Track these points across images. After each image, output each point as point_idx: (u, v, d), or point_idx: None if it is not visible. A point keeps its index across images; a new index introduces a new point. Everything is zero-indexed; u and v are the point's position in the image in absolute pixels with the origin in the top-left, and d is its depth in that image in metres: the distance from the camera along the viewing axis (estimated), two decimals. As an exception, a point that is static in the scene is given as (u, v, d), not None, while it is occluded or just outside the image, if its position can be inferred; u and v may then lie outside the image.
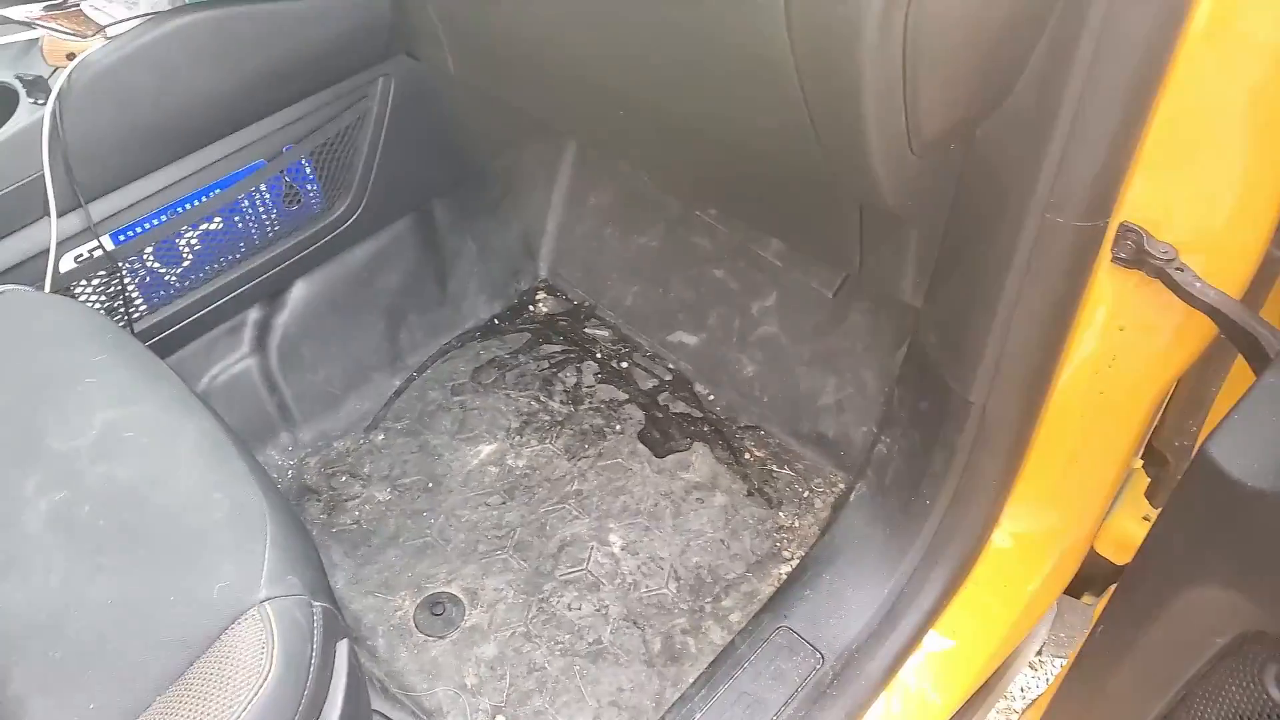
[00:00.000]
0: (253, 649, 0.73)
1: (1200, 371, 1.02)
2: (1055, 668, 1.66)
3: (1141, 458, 1.14)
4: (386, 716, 1.09)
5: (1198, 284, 0.81)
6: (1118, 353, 0.93)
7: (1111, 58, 0.75)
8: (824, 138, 0.80)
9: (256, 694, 0.70)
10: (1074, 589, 1.25)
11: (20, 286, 0.99)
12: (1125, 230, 0.85)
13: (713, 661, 1.15)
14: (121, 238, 1.18)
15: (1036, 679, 1.68)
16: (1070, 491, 1.06)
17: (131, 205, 1.17)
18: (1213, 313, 0.80)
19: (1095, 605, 1.27)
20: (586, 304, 1.73)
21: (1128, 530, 1.13)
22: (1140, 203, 0.83)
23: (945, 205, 0.93)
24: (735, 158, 1.04)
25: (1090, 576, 1.22)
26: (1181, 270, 0.83)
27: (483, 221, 1.67)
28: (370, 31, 1.30)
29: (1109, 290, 0.89)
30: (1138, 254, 0.85)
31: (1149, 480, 1.15)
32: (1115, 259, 0.87)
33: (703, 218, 1.60)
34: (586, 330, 1.69)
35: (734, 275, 1.58)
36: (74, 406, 0.88)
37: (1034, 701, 1.22)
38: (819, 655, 1.10)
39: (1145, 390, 0.96)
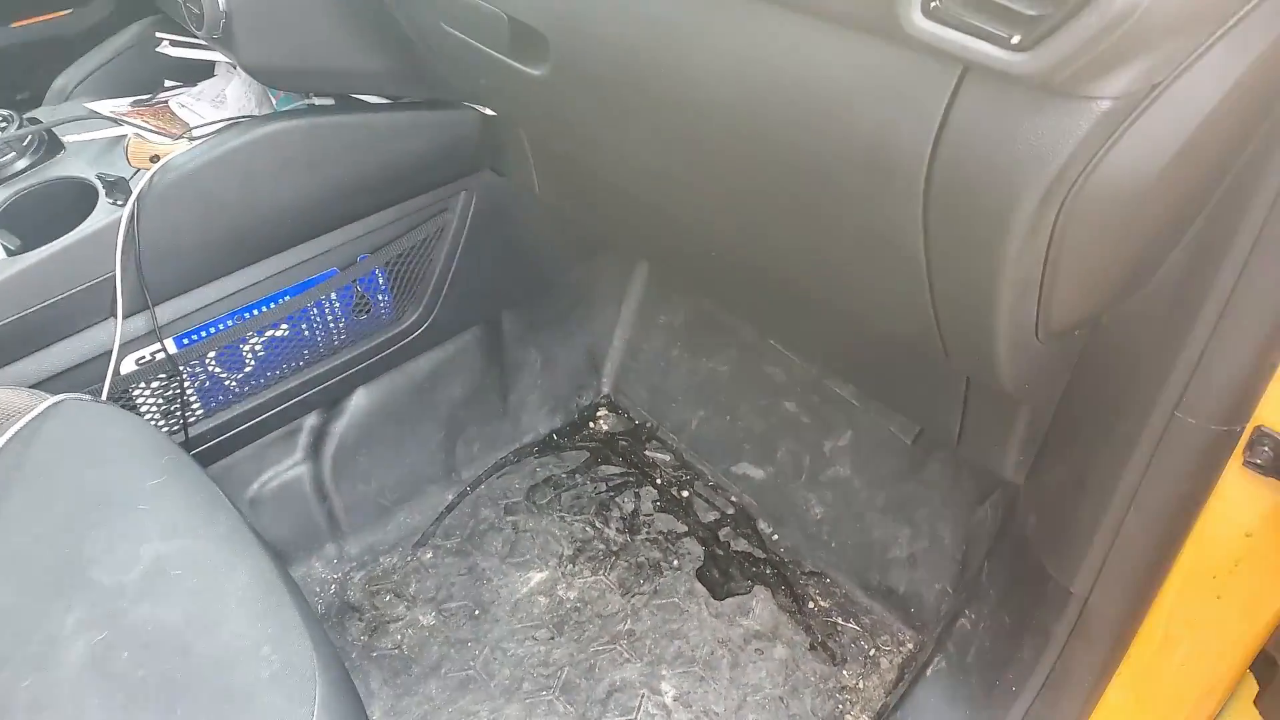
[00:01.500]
0: (289, 838, 0.67)
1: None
2: None
3: (1252, 664, 1.04)
4: None
5: (1342, 501, 0.74)
6: (1242, 559, 0.85)
7: (1270, 259, 0.69)
8: (945, 325, 0.75)
9: None
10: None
11: (78, 396, 0.97)
12: (1261, 434, 0.78)
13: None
14: (185, 341, 1.16)
15: None
16: (1175, 697, 0.96)
17: (199, 309, 1.16)
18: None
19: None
20: (649, 424, 1.68)
21: (1236, 740, 1.02)
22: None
23: (1061, 384, 0.87)
24: (841, 326, 1.00)
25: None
26: (1324, 484, 0.75)
27: (549, 334, 1.64)
28: (458, 147, 1.30)
29: (1237, 495, 0.82)
30: (1274, 461, 0.78)
31: (1258, 687, 1.05)
32: (1248, 463, 0.80)
33: (777, 347, 1.55)
34: (647, 453, 1.64)
35: (807, 410, 1.52)
36: (122, 535, 0.84)
37: None
38: None
39: (1268, 599, 0.87)
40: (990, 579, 1.06)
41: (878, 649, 1.36)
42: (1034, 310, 0.70)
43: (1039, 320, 0.72)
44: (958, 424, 0.97)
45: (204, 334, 1.19)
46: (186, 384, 1.20)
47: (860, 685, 1.31)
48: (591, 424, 1.69)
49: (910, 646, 1.34)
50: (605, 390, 1.73)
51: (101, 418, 0.97)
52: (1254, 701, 1.04)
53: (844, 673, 1.33)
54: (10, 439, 0.92)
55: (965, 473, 1.34)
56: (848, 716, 1.28)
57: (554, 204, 1.27)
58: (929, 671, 1.14)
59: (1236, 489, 0.81)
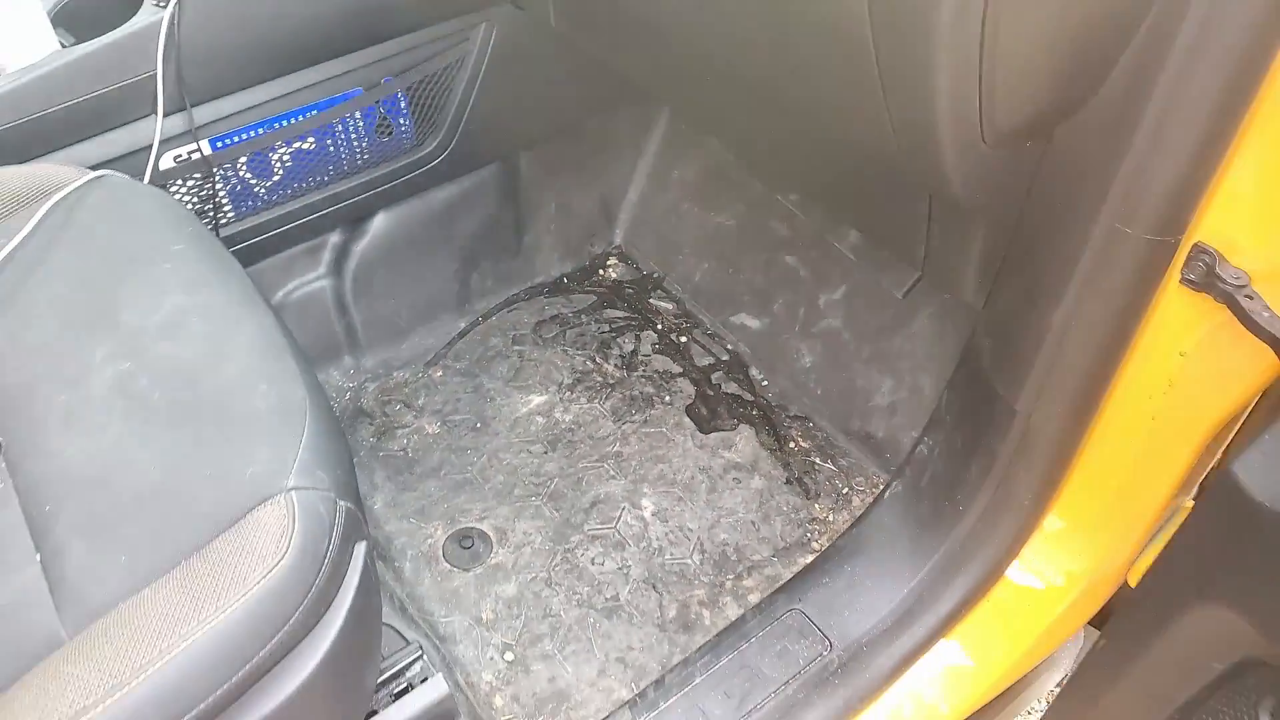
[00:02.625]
0: (273, 532, 0.77)
1: (1268, 410, 0.98)
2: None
3: (1194, 497, 1.09)
4: (399, 631, 1.13)
5: (1265, 313, 0.78)
6: (1176, 379, 0.90)
7: (1205, 67, 0.72)
8: (895, 117, 0.79)
9: (270, 573, 0.74)
10: (1101, 623, 1.22)
11: (117, 174, 1.06)
12: (1198, 250, 0.82)
13: (721, 631, 1.15)
14: (220, 144, 1.24)
15: (1058, 716, 1.63)
16: (1110, 520, 1.03)
17: (233, 114, 1.23)
18: (1276, 345, 0.77)
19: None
20: (655, 275, 1.74)
21: (1166, 569, 1.09)
22: (1217, 224, 0.80)
23: (1016, 205, 0.91)
24: (814, 135, 1.04)
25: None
26: (1251, 298, 0.79)
27: (566, 180, 1.69)
28: (478, -29, 1.34)
29: (1173, 312, 0.86)
30: (1208, 277, 0.82)
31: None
32: (1184, 280, 0.84)
33: (783, 203, 1.60)
34: (652, 301, 1.71)
35: (806, 264, 1.58)
36: (149, 287, 0.94)
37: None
38: (827, 642, 1.10)
39: (1200, 421, 0.92)
40: (947, 406, 1.12)
41: (851, 488, 1.44)
42: (975, 106, 0.74)
43: (983, 118, 0.76)
44: (923, 247, 1.02)
45: (237, 139, 1.27)
46: (219, 185, 1.29)
47: (830, 518, 1.40)
48: (601, 271, 1.76)
49: (882, 488, 1.41)
50: (617, 240, 1.79)
51: (137, 192, 1.06)
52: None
53: (816, 506, 1.41)
54: (56, 203, 1.02)
55: (949, 327, 1.39)
56: (814, 544, 1.37)
57: (568, 35, 1.31)
58: (886, 494, 1.21)
59: (1173, 306, 0.86)
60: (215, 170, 1.26)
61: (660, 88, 1.43)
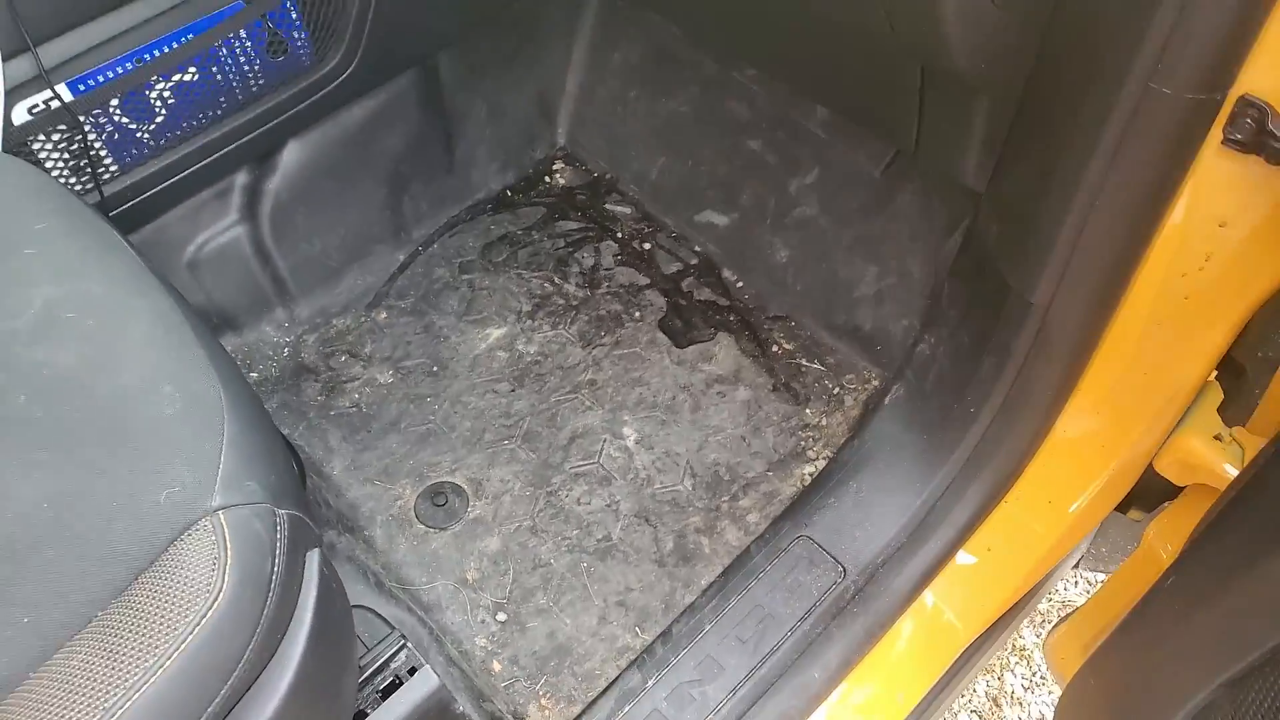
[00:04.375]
0: (204, 563, 0.65)
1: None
2: (1093, 579, 1.58)
3: (1216, 369, 1.01)
4: (377, 613, 1.03)
5: (1330, 173, 0.67)
6: (1213, 253, 0.79)
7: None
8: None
9: (207, 615, 0.63)
10: (1121, 504, 1.15)
11: (-43, 142, 0.88)
12: (1246, 105, 0.70)
13: (726, 569, 1.07)
14: (82, 87, 1.06)
15: (1068, 586, 1.61)
16: (1134, 406, 0.94)
17: (91, 50, 1.05)
18: (1346, 209, 0.66)
19: (1144, 522, 1.17)
20: (608, 176, 1.59)
21: (1194, 449, 1.01)
22: (1268, 73, 0.68)
23: (1023, 72, 0.77)
24: (783, 4, 0.88)
25: (1142, 493, 1.11)
26: (1311, 155, 0.68)
27: (493, 78, 1.51)
28: None
29: (1214, 178, 0.75)
30: (1258, 135, 0.70)
31: (1223, 395, 1.03)
32: (1227, 140, 0.72)
33: (740, 80, 1.43)
34: (607, 206, 1.56)
35: (772, 148, 1.43)
36: (10, 281, 0.78)
37: (1067, 616, 1.14)
38: (840, 568, 1.02)
39: (1240, 297, 0.82)
40: (951, 299, 1.02)
41: (842, 387, 1.34)
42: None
43: (995, -32, 0.62)
44: (915, 126, 0.88)
45: (101, 78, 1.08)
46: (92, 136, 1.11)
47: (823, 423, 1.30)
48: (547, 178, 1.60)
49: (876, 384, 1.32)
50: (560, 141, 1.62)
51: (-19, 163, 0.89)
52: (1217, 410, 1.02)
53: (807, 411, 1.32)
54: (-122, 187, 0.85)
55: (935, 203, 1.27)
56: (810, 452, 1.28)
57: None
58: (888, 400, 1.12)
59: (1214, 171, 0.74)
60: (83, 119, 1.08)
61: None
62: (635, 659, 1.01)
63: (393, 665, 0.94)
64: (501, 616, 1.14)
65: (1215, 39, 0.65)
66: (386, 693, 0.92)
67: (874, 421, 1.11)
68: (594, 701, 0.98)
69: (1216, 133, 0.72)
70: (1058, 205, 0.80)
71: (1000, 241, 0.90)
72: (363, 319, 1.42)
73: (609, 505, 1.23)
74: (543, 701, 1.08)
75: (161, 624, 0.63)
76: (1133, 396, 0.94)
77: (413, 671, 0.92)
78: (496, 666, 1.11)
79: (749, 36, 1.16)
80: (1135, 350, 0.89)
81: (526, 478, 1.26)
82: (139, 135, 1.15)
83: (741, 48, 1.32)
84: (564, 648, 1.12)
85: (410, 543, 1.20)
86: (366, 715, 0.91)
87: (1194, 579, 0.61)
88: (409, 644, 0.95)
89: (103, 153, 1.13)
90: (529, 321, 1.41)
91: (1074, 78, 0.74)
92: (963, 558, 1.03)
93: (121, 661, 0.61)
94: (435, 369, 1.36)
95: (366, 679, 0.93)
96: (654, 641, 1.01)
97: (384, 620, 1.03)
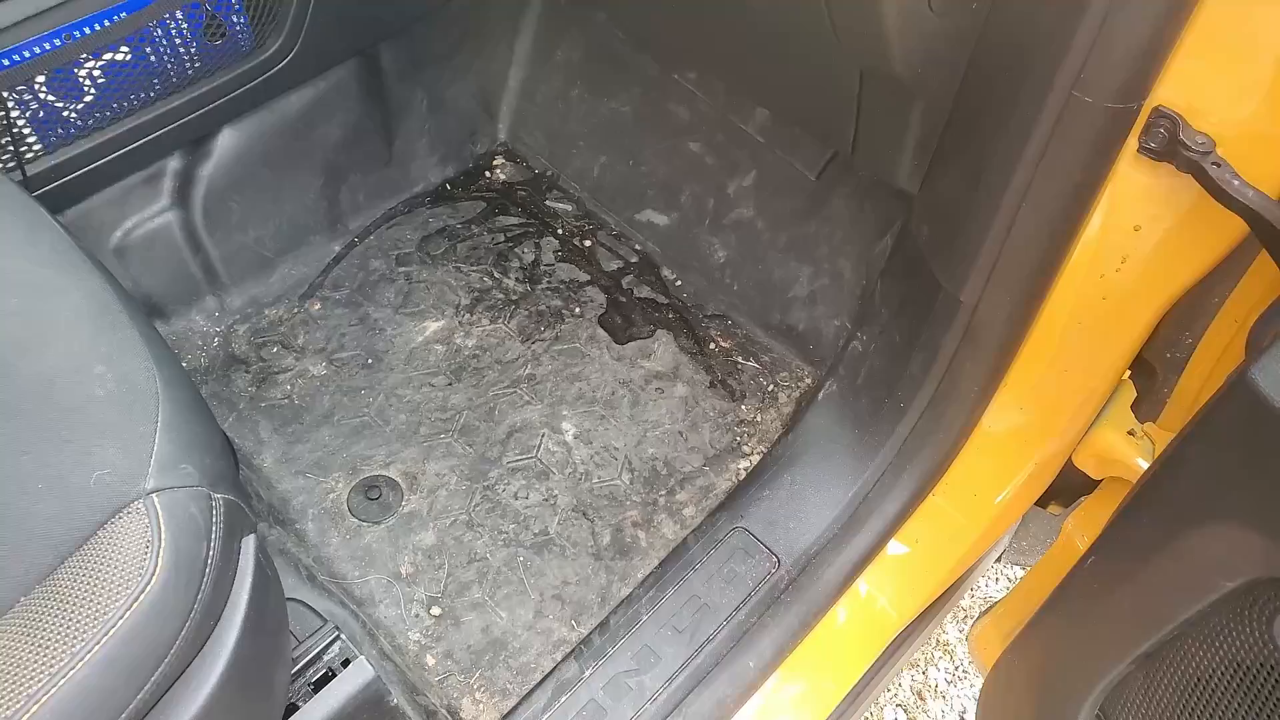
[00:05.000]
0: (135, 548, 0.64)
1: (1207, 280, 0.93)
2: (1014, 574, 1.64)
3: (1129, 368, 1.06)
4: (310, 606, 1.01)
5: (1235, 181, 0.71)
6: (1129, 254, 0.84)
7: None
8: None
9: (138, 600, 0.62)
10: (1042, 499, 1.20)
11: None
12: (1159, 116, 0.74)
13: (663, 561, 1.09)
14: (5, 62, 1.02)
15: (989, 582, 1.66)
16: (1056, 402, 0.98)
17: (15, 25, 1.01)
18: (1249, 215, 0.70)
19: (1062, 516, 1.22)
20: (549, 173, 1.59)
21: (1110, 444, 1.06)
22: (1180, 85, 0.72)
23: (956, 77, 0.81)
24: (727, 7, 0.90)
25: (1061, 488, 1.16)
26: (1218, 165, 0.72)
27: (435, 71, 1.50)
28: None
29: (1130, 184, 0.79)
30: (1170, 144, 0.75)
31: (1136, 392, 1.08)
32: (1143, 148, 0.76)
33: (681, 82, 1.45)
34: (548, 203, 1.56)
35: (711, 150, 1.45)
36: (-69, 259, 0.76)
37: (990, 608, 1.19)
38: (775, 559, 1.04)
39: (1152, 298, 0.87)
40: (883, 298, 1.05)
41: (776, 385, 1.37)
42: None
43: (932, -23, 0.65)
44: (852, 127, 0.91)
45: (25, 54, 1.04)
46: (14, 112, 1.07)
47: (758, 419, 1.33)
48: (488, 173, 1.59)
49: (809, 382, 1.35)
50: (501, 136, 1.62)
51: (-103, 136, 0.86)
52: (1130, 406, 1.07)
53: (742, 407, 1.34)
54: None
55: (868, 207, 1.30)
56: (745, 447, 1.30)
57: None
58: (820, 396, 1.14)
59: (1129, 177, 0.78)
60: (6, 94, 1.04)
61: None
62: (572, 650, 1.02)
63: (325, 658, 0.93)
64: (436, 611, 1.14)
65: (1132, 52, 0.69)
66: (319, 685, 0.91)
67: (807, 417, 1.13)
68: (530, 693, 0.98)
69: (1133, 141, 0.76)
70: (986, 207, 0.83)
71: (931, 242, 0.94)
72: (296, 310, 1.39)
73: (546, 499, 1.24)
74: (477, 695, 1.08)
75: (89, 608, 0.61)
76: (1054, 393, 0.98)
77: (346, 664, 0.91)
78: (430, 661, 1.10)
79: (691, 39, 1.18)
80: (1057, 348, 0.93)
81: (463, 472, 1.25)
82: (66, 114, 1.12)
83: (684, 50, 1.34)
84: (499, 641, 1.12)
85: (343, 536, 1.18)
86: (298, 708, 0.89)
87: (1111, 561, 0.65)
88: (343, 636, 0.94)
89: (26, 130, 1.09)
90: (467, 315, 1.41)
91: (1003, 85, 0.77)
92: (893, 548, 1.06)
93: (46, 647, 0.59)
94: (370, 361, 1.35)
95: (298, 671, 0.92)
96: (591, 633, 1.02)
97: (316, 613, 1.02)
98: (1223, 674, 0.58)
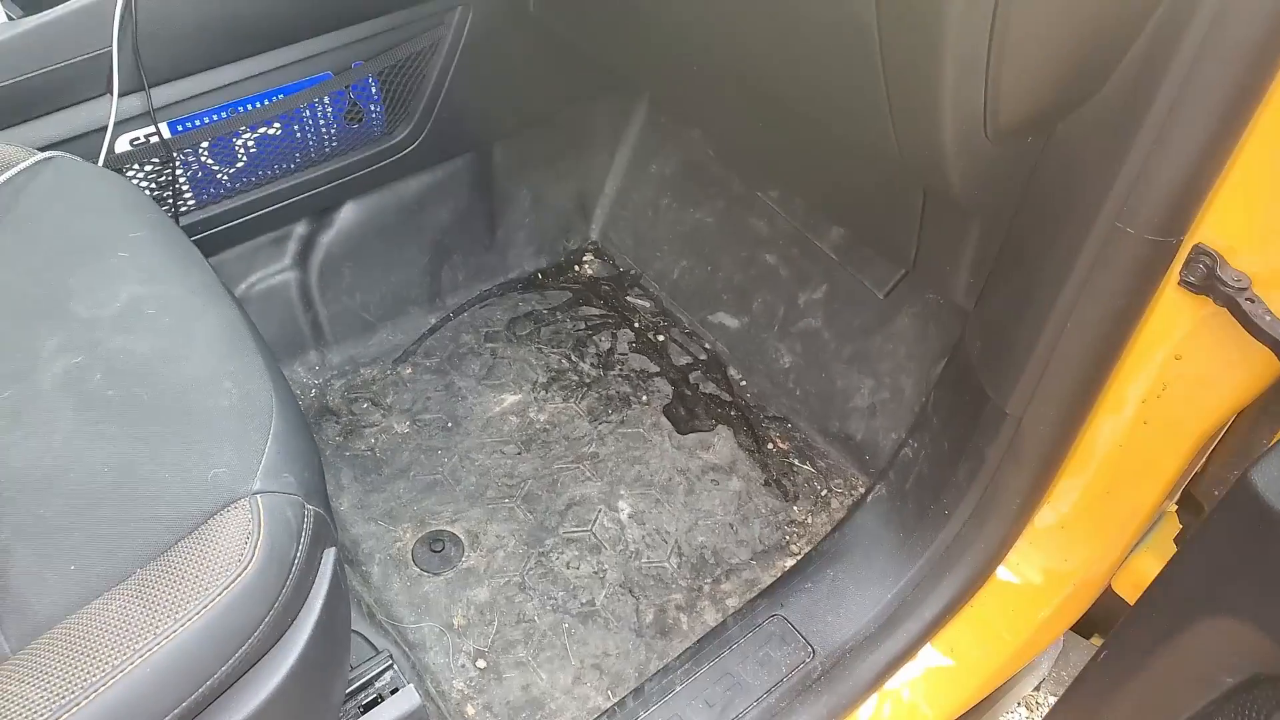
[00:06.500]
0: (238, 537, 0.72)
1: (1254, 418, 0.97)
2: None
3: (1177, 503, 1.08)
4: (367, 638, 1.08)
5: (1268, 317, 0.77)
6: (1170, 382, 0.88)
7: (1213, 64, 0.70)
8: (897, 110, 0.77)
9: (234, 582, 0.70)
10: (1084, 629, 1.21)
11: (70, 156, 1.00)
12: (1199, 252, 0.80)
13: (702, 638, 1.12)
14: (180, 128, 1.19)
15: (1032, 718, 1.63)
16: (1097, 523, 1.01)
17: (194, 96, 1.18)
18: (1278, 348, 0.75)
19: (1106, 650, 1.22)
20: (633, 272, 1.71)
21: (1150, 573, 1.07)
22: (1219, 226, 0.79)
23: (1012, 204, 0.89)
24: (805, 129, 1.01)
25: (1101, 618, 1.17)
26: (1253, 301, 0.78)
27: (541, 173, 1.65)
28: (452, -44, 1.29)
29: (1171, 315, 0.85)
30: (1208, 279, 0.81)
31: (1180, 527, 1.10)
32: (1183, 282, 0.82)
33: (764, 199, 1.57)
34: (629, 299, 1.67)
35: (786, 263, 1.55)
36: (103, 277, 0.88)
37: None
38: (810, 649, 1.07)
39: (1192, 426, 0.91)
40: (934, 407, 1.10)
41: (830, 490, 1.41)
42: (980, 100, 0.72)
43: (986, 113, 0.74)
44: (914, 245, 0.99)
45: (199, 122, 1.21)
46: (179, 171, 1.23)
47: (809, 520, 1.37)
48: (576, 267, 1.72)
49: (861, 490, 1.39)
50: (593, 236, 1.75)
51: (91, 175, 1.01)
52: (1174, 539, 1.09)
53: (794, 508, 1.39)
54: (3, 184, 0.95)
55: (932, 327, 1.37)
56: (793, 546, 1.34)
57: (547, 22, 1.28)
58: (869, 498, 1.19)
59: (1170, 307, 0.84)
60: (175, 155, 1.20)
61: (641, 76, 1.39)
62: (605, 710, 1.06)
63: (377, 684, 0.99)
64: (481, 664, 1.19)
65: (1173, 189, 0.76)
66: (367, 709, 0.96)
67: (855, 516, 1.18)
68: (563, 746, 1.02)
69: (1174, 274, 0.82)
70: (1034, 325, 0.90)
71: (983, 356, 1.00)
72: (389, 372, 1.51)
73: (596, 572, 1.29)
74: (511, 748, 1.11)
75: (194, 584, 0.69)
76: (1095, 514, 1.01)
77: (394, 693, 0.97)
78: (470, 711, 1.14)
79: (775, 158, 1.29)
80: (1099, 468, 0.97)
81: (522, 536, 1.32)
82: (219, 176, 1.27)
83: (768, 168, 1.45)
84: (537, 701, 1.16)
85: (404, 583, 1.25)
86: (346, 728, 0.95)
87: (1120, 656, 0.68)
88: (395, 666, 1.00)
89: (185, 187, 1.25)
90: (543, 392, 1.50)
91: (1054, 211, 0.85)
92: (931, 653, 1.08)
93: (155, 611, 0.67)
94: (450, 424, 1.44)
95: (351, 693, 0.98)
96: (626, 696, 1.05)
97: (372, 646, 1.08)
98: (1228, 772, 0.60)
